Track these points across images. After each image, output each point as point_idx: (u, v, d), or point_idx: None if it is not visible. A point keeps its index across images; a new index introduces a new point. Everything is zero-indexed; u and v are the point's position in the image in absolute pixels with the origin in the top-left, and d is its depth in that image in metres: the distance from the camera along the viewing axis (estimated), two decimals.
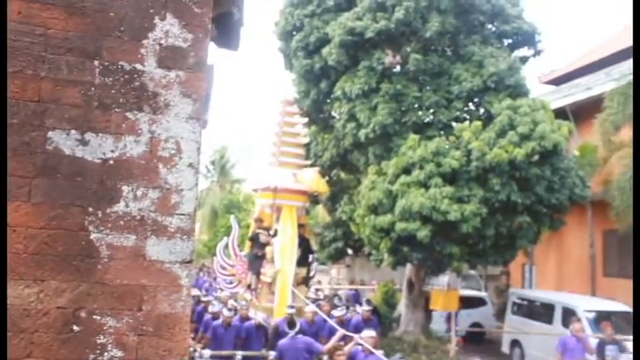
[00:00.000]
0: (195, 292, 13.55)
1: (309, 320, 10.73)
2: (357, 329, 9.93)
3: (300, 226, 13.86)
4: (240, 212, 32.68)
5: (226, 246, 14.47)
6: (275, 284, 12.93)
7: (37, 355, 2.80)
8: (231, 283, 14.37)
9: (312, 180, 14.24)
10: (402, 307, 16.76)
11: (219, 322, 10.38)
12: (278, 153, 14.41)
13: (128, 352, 2.91)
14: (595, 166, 15.28)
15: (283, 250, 13.14)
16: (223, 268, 14.35)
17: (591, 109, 15.50)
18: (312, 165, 16.20)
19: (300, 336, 8.88)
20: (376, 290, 19.24)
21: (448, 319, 15.65)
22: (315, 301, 13.03)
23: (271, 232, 13.48)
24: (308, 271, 14.25)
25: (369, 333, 8.70)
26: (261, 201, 14.73)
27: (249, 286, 13.57)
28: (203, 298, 12.85)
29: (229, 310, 10.74)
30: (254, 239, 13.62)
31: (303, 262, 13.76)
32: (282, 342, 8.80)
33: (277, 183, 13.58)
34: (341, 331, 9.45)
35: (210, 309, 11.34)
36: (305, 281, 13.99)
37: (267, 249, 13.28)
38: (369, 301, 13.68)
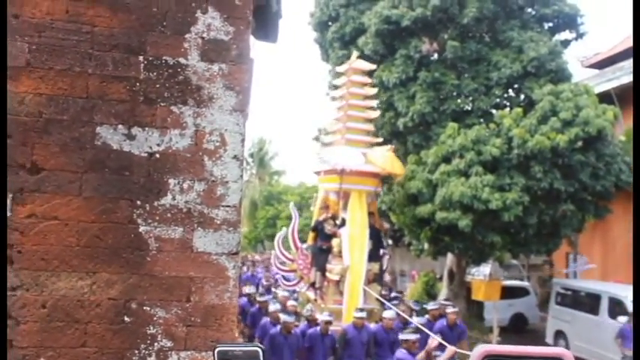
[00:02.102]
0: (249, 289, 12.25)
1: (386, 326, 8.99)
2: (443, 337, 8.44)
3: (370, 214, 12.05)
4: (280, 204, 32.94)
5: (285, 238, 12.71)
6: (343, 282, 11.24)
7: (90, 344, 2.88)
8: (290, 280, 12.82)
9: (386, 160, 12.12)
10: (442, 298, 16.64)
11: (277, 329, 8.54)
12: (344, 129, 12.40)
13: (177, 342, 2.96)
14: None
15: (353, 242, 11.40)
16: (282, 263, 12.68)
17: None
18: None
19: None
20: (417, 280, 19.13)
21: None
22: (389, 300, 11.21)
23: (338, 222, 11.72)
24: (380, 267, 12.36)
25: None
26: (324, 185, 12.78)
27: (312, 284, 11.87)
28: (259, 298, 11.07)
29: (290, 314, 8.88)
30: (318, 230, 11.90)
31: (374, 256, 11.90)
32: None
33: (345, 164, 11.58)
34: (451, 349, 7.77)
35: (271, 308, 9.56)
36: (377, 279, 12.06)
37: (334, 241, 11.56)
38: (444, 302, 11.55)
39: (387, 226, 12.96)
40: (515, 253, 14.89)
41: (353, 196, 11.91)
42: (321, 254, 11.68)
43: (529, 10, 14.97)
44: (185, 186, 3.01)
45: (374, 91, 13.10)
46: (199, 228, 3.01)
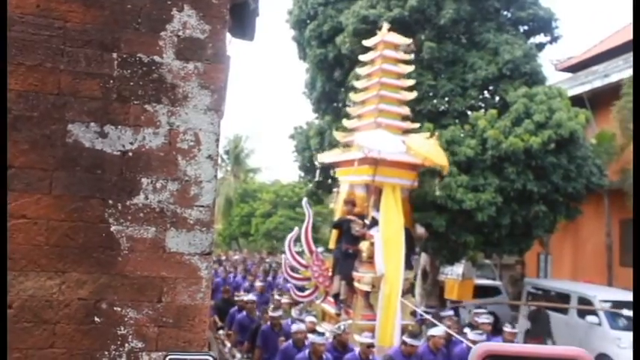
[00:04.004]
0: (248, 296, 10.72)
1: (433, 346, 7.73)
2: None
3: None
4: (255, 202, 32.79)
5: (297, 240, 10.69)
6: (374, 294, 9.54)
7: (59, 345, 2.83)
8: (303, 290, 10.90)
9: (430, 149, 10.36)
10: (416, 297, 16.75)
11: (305, 354, 7.09)
12: (376, 112, 10.55)
13: (148, 343, 2.93)
14: (612, 155, 15.09)
15: (388, 246, 9.51)
16: (294, 270, 10.82)
17: (609, 97, 15.29)
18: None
19: None
20: None
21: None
22: (426, 313, 9.88)
23: (367, 222, 9.88)
24: (415, 275, 10.51)
25: None
26: (349, 178, 10.84)
27: (336, 296, 10.07)
28: (272, 313, 9.06)
29: (319, 334, 7.44)
30: (343, 230, 10.10)
31: (408, 262, 10.13)
32: None
33: (385, 151, 9.69)
34: None
35: (294, 328, 7.97)
36: (411, 289, 10.36)
37: (362, 245, 9.79)
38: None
39: (421, 231, 10.86)
40: (488, 253, 15.07)
41: (386, 191, 10.03)
42: (346, 260, 9.87)
43: (505, 12, 15.11)
44: (158, 185, 2.98)
45: (410, 68, 11.44)
46: (172, 228, 2.98)
